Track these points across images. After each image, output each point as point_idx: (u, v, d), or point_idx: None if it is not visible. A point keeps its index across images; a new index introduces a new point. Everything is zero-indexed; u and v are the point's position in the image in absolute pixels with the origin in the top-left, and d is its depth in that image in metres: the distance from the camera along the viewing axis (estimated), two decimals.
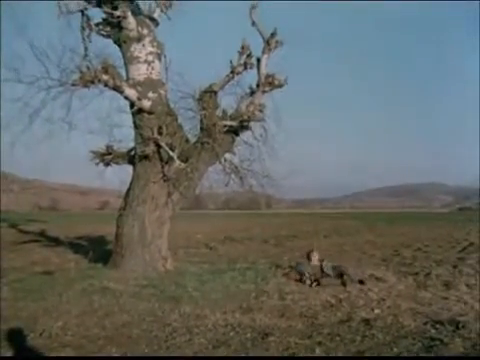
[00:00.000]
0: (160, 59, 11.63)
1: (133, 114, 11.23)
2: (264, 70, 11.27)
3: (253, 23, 11.14)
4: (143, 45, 11.28)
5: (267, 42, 11.20)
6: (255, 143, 11.86)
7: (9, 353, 5.38)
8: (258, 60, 11.32)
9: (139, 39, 11.20)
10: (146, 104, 11.02)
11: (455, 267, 11.77)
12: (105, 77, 10.34)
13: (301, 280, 9.48)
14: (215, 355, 5.31)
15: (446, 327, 6.13)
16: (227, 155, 11.92)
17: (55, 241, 20.06)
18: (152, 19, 11.63)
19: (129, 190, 11.43)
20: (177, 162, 10.63)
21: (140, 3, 11.60)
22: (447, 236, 23.89)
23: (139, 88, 11.08)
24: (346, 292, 8.49)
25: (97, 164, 11.64)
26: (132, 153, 11.67)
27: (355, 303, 7.71)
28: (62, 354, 5.36)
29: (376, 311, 7.16)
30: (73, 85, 10.28)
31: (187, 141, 11.54)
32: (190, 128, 12.01)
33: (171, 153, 10.65)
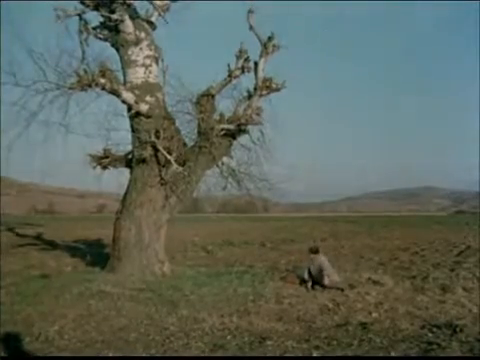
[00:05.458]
0: (157, 63, 11.64)
1: (130, 118, 11.24)
2: (261, 74, 11.31)
3: (250, 27, 11.21)
4: (140, 49, 11.29)
5: (264, 46, 11.26)
6: (252, 147, 11.89)
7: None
8: (255, 64, 11.37)
9: (136, 42, 11.21)
10: (143, 108, 11.02)
11: (452, 270, 11.78)
12: (102, 81, 10.35)
13: (300, 283, 9.47)
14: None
15: (443, 331, 6.13)
16: (224, 159, 11.93)
17: (52, 244, 19.99)
18: (150, 23, 11.66)
19: (126, 193, 11.41)
20: (174, 166, 10.62)
21: (137, 6, 11.63)
22: (444, 240, 23.90)
23: (136, 92, 11.10)
24: (343, 296, 8.49)
25: (94, 167, 11.61)
26: (129, 156, 11.67)
27: (352, 307, 7.70)
28: None
29: (373, 315, 7.16)
30: (70, 88, 10.28)
31: (184, 145, 11.55)
32: (187, 132, 12.03)
33: (168, 157, 10.65)
